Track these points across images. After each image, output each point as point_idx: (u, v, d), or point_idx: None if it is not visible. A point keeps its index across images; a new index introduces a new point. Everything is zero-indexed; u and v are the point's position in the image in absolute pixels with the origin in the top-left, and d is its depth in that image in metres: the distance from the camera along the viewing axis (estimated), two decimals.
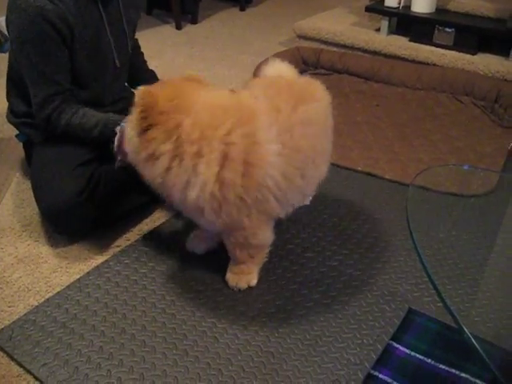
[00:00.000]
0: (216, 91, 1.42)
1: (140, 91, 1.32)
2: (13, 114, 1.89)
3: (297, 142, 1.39)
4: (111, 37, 1.77)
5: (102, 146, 1.81)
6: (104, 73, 1.82)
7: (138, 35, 2.06)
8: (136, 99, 1.32)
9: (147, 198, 1.89)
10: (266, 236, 1.50)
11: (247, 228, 1.42)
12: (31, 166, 1.80)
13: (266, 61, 1.64)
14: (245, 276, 1.56)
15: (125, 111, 1.97)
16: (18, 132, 1.94)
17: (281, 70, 1.64)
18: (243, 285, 1.56)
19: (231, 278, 1.57)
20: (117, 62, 1.83)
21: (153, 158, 1.32)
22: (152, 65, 2.23)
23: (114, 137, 1.63)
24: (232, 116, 1.31)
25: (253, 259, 1.54)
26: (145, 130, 1.32)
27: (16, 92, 1.85)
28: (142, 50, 2.18)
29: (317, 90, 1.58)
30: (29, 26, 1.58)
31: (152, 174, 1.34)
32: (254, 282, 1.57)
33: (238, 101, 1.38)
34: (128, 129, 1.40)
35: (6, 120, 1.95)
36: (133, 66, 2.04)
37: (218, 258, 1.65)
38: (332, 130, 1.62)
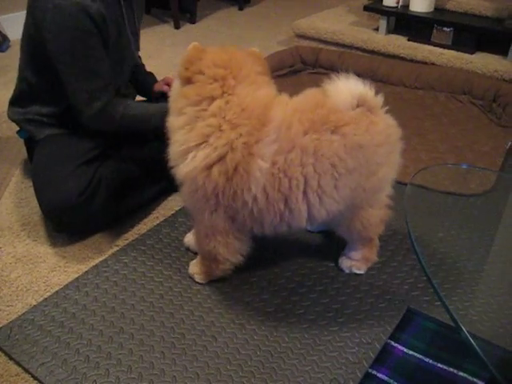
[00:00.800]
0: (263, 84, 1.39)
1: (192, 44, 1.37)
2: (19, 107, 1.86)
3: (288, 166, 1.32)
4: (130, 35, 1.78)
5: (104, 143, 1.82)
6: (120, 71, 1.82)
7: None
8: (187, 50, 1.36)
9: (147, 197, 1.90)
10: (218, 249, 1.46)
11: (201, 224, 1.44)
12: (33, 163, 1.80)
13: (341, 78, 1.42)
14: (198, 272, 1.58)
15: None
16: (18, 129, 1.92)
17: (353, 90, 1.38)
18: (196, 279, 1.59)
19: (190, 265, 1.60)
20: (132, 61, 1.84)
21: (178, 113, 1.36)
22: (151, 64, 2.22)
23: None
24: (250, 122, 1.30)
25: (203, 262, 1.55)
26: (185, 82, 1.35)
27: (30, 87, 1.82)
28: (140, 49, 2.18)
29: (378, 132, 1.36)
30: (72, 23, 1.55)
31: (170, 126, 1.39)
32: (198, 279, 1.58)
33: (265, 102, 1.35)
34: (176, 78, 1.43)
35: (3, 119, 1.94)
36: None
37: None
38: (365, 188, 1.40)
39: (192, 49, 1.36)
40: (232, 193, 1.33)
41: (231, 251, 1.48)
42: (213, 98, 1.32)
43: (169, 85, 1.94)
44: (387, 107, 1.41)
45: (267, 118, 1.32)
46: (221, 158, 1.30)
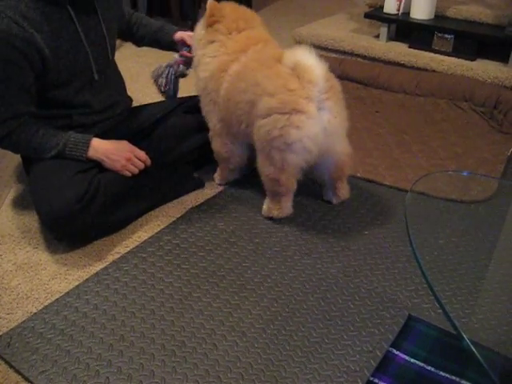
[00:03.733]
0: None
1: (209, 1, 1.89)
2: None
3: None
4: (89, 47, 1.73)
5: None
6: (86, 84, 1.78)
7: None
8: (207, 6, 1.89)
9: (146, 205, 1.89)
10: (217, 148, 1.99)
11: (211, 129, 1.99)
12: (30, 173, 1.79)
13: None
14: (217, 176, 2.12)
15: (124, 113, 1.97)
16: None
17: (301, 58, 1.89)
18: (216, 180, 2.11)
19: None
20: (95, 74, 1.77)
21: (209, 42, 1.89)
22: (151, 71, 2.22)
23: (74, 157, 1.73)
24: (240, 45, 1.86)
25: (220, 166, 2.10)
26: (210, 24, 1.89)
27: None
28: (142, 56, 2.17)
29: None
30: None
31: (200, 52, 1.92)
32: (217, 180, 2.10)
33: (257, 36, 1.91)
34: (198, 26, 1.99)
35: None
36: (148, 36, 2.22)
37: (216, 264, 1.65)
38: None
39: (210, 3, 1.88)
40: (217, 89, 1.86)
41: (228, 151, 1.96)
42: (238, 31, 1.88)
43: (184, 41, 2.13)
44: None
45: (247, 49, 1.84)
46: (221, 65, 1.84)
